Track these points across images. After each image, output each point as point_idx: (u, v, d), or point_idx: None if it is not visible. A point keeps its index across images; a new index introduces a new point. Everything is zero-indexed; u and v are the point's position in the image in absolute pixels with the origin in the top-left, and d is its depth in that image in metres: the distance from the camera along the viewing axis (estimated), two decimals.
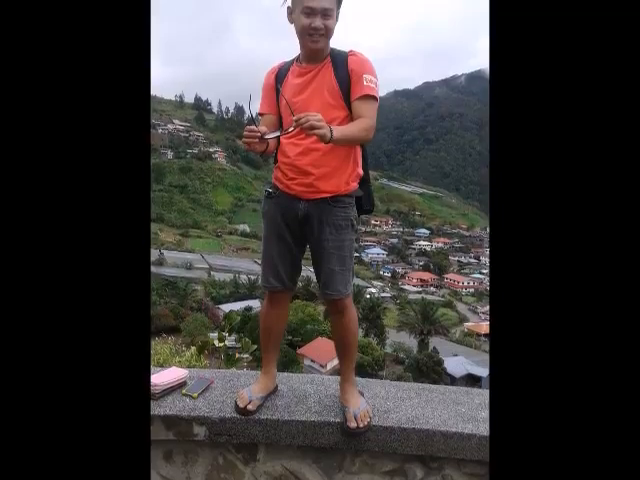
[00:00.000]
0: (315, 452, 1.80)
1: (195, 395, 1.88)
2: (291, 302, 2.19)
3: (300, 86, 1.77)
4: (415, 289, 69.89)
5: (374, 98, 1.72)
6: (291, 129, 1.57)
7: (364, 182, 1.88)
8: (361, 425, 1.73)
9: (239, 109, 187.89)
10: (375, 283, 71.02)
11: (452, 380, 30.32)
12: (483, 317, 54.12)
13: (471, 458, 1.74)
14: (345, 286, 1.81)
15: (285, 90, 1.78)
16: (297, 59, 1.82)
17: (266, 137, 1.62)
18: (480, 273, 79.15)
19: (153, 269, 47.64)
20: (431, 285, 75.90)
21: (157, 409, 1.78)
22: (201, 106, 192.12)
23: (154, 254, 61.27)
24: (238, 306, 36.44)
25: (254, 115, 1.71)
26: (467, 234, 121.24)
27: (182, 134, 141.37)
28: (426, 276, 78.03)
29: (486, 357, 32.66)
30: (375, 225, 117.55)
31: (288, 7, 1.73)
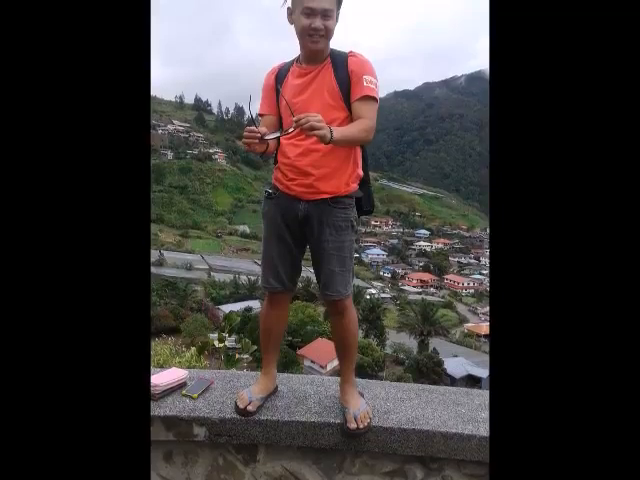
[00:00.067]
0: (315, 453, 1.80)
1: (195, 396, 1.88)
2: (291, 303, 2.19)
3: (300, 87, 1.77)
4: (415, 290, 69.82)
5: (374, 99, 1.72)
6: (291, 130, 1.57)
7: (364, 183, 1.88)
8: (361, 426, 1.73)
9: (239, 110, 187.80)
10: (375, 284, 71.00)
11: (452, 381, 30.30)
12: (483, 318, 54.11)
13: (471, 459, 1.74)
14: (345, 287, 1.81)
15: (285, 91, 1.78)
16: (297, 60, 1.82)
17: (266, 138, 1.62)
18: (480, 274, 79.17)
19: (153, 270, 47.68)
20: (431, 286, 75.85)
21: (157, 410, 1.78)
22: (201, 107, 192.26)
23: (154, 255, 61.35)
24: (238, 307, 36.49)
25: (254, 116, 1.71)
26: (467, 235, 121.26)
27: (182, 135, 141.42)
28: (426, 277, 78.02)
29: (486, 358, 32.66)
30: (375, 226, 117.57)
31: (288, 8, 1.73)
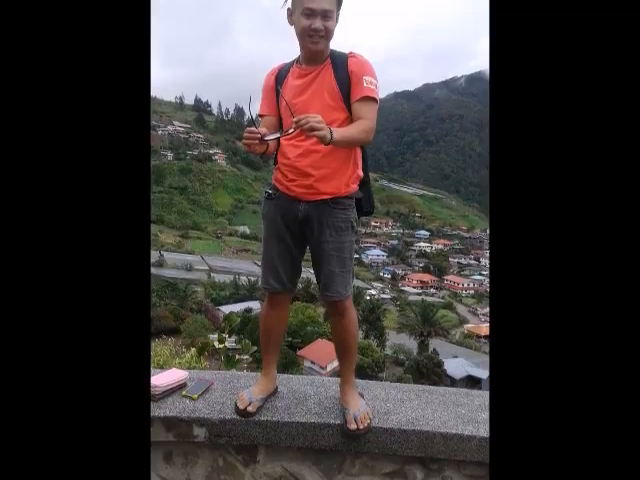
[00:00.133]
0: (315, 454, 1.80)
1: (195, 396, 1.88)
2: (291, 304, 2.19)
3: (300, 87, 1.77)
4: (415, 291, 69.83)
5: (374, 100, 1.73)
6: (291, 130, 1.57)
7: (364, 184, 1.88)
8: (361, 427, 1.73)
9: (239, 110, 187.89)
10: (375, 285, 71.00)
11: (452, 382, 30.29)
12: (483, 319, 54.09)
13: (471, 460, 1.74)
14: (345, 288, 1.81)
15: (285, 91, 1.78)
16: (297, 60, 1.82)
17: (266, 138, 1.62)
18: (480, 275, 79.17)
19: (153, 270, 47.66)
20: (431, 287, 75.84)
21: (157, 410, 1.78)
22: (201, 107, 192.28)
23: (154, 255, 61.35)
24: (238, 307, 36.49)
25: (254, 116, 1.71)
26: (467, 236, 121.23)
27: (182, 135, 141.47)
28: (426, 278, 78.01)
29: (486, 359, 32.65)
30: (375, 227, 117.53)
31: (288, 9, 1.73)
